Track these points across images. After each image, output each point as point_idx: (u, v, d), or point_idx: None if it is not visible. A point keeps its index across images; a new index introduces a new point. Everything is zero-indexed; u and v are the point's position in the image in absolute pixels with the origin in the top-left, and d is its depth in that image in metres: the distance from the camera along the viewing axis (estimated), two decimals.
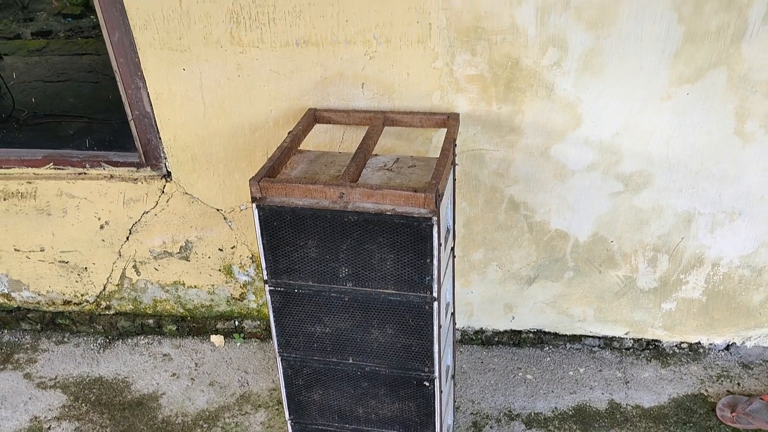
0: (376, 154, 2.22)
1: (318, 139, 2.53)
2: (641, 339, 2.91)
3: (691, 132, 2.32)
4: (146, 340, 3.18)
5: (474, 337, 3.03)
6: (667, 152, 2.38)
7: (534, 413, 2.68)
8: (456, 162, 2.38)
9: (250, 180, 1.92)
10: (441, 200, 1.87)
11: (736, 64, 2.16)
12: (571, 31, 2.17)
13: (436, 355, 2.05)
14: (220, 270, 2.98)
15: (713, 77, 2.19)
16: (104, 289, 3.11)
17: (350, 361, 2.16)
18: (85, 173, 2.77)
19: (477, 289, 2.86)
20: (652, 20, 2.11)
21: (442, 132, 2.42)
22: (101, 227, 2.89)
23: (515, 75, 2.29)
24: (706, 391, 2.73)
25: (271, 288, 2.07)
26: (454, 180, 2.32)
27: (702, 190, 2.45)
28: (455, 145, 2.26)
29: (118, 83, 2.52)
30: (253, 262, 2.93)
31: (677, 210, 2.51)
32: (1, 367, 3.07)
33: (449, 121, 2.31)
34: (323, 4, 2.23)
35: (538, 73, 2.27)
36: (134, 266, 3.01)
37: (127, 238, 2.92)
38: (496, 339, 3.01)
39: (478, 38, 2.23)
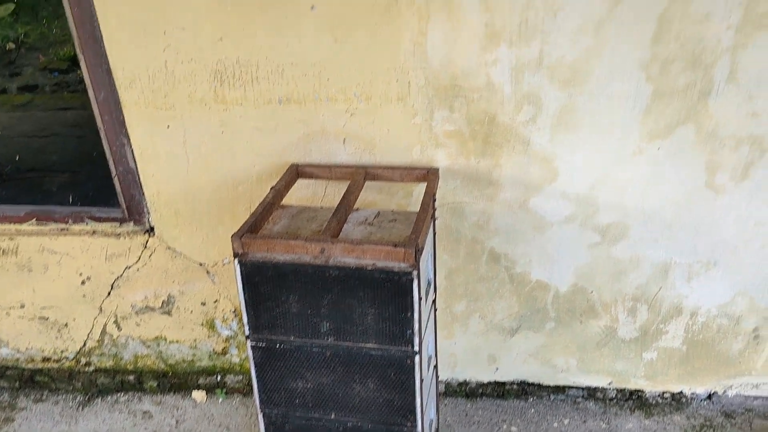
0: (357, 209, 2.26)
1: (301, 193, 2.57)
2: (624, 389, 2.91)
3: (664, 185, 2.38)
4: (126, 397, 3.13)
5: (458, 389, 3.01)
6: (642, 204, 2.44)
7: None
8: (436, 216, 2.42)
9: (232, 236, 1.94)
10: (421, 254, 1.90)
11: (704, 120, 2.24)
12: (545, 89, 2.25)
13: (418, 409, 2.05)
14: (202, 324, 2.96)
15: (683, 132, 2.27)
16: (84, 345, 3.08)
17: (332, 416, 2.15)
18: (67, 229, 2.78)
19: (460, 340, 2.87)
20: (621, 79, 2.19)
21: (423, 186, 2.47)
22: (83, 283, 2.88)
23: (492, 130, 2.35)
24: None
25: (253, 343, 2.06)
26: (435, 233, 2.36)
27: (677, 241, 2.50)
28: (435, 199, 2.31)
29: (103, 140, 2.55)
30: (235, 316, 2.92)
31: (654, 260, 2.56)
32: None
33: (429, 175, 2.36)
34: (305, 64, 2.30)
35: (514, 128, 2.34)
36: (115, 321, 2.99)
37: (109, 294, 2.90)
38: (480, 391, 3.00)
39: (455, 95, 2.30)
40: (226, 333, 2.97)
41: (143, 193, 2.64)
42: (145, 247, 2.76)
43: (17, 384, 3.22)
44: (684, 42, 2.11)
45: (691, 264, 2.55)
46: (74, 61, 7.45)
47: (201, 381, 3.11)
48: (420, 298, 1.89)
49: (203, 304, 2.90)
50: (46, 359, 3.15)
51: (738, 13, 2.06)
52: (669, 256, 2.55)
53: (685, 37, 2.10)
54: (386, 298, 1.89)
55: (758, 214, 2.40)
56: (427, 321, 2.17)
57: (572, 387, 2.95)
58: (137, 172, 2.60)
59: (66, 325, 3.03)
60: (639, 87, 2.20)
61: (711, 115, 2.23)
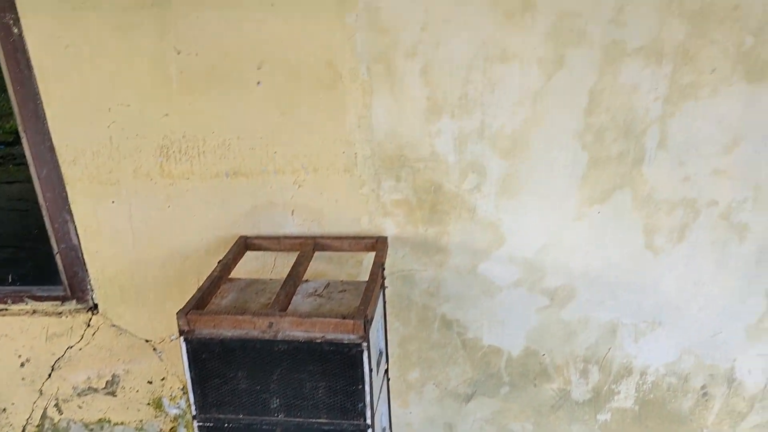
0: (307, 280, 2.25)
1: (250, 265, 2.55)
2: None
3: (606, 247, 2.45)
4: None
5: None
6: (587, 267, 2.49)
7: None
8: (386, 284, 2.43)
9: (177, 312, 1.91)
10: (370, 325, 1.89)
11: (639, 185, 2.33)
12: (488, 158, 2.32)
13: None
14: (149, 404, 2.85)
15: (620, 197, 2.35)
16: (23, 430, 2.92)
17: None
18: (6, 309, 2.68)
19: (415, 409, 2.83)
20: (559, 148, 2.27)
21: (372, 255, 2.48)
22: (21, 365, 2.76)
23: (439, 199, 2.40)
24: None
25: (200, 424, 2.00)
26: (385, 302, 2.36)
27: (622, 302, 2.56)
28: (384, 267, 2.32)
29: (45, 217, 2.50)
30: (184, 393, 2.83)
31: (602, 321, 2.60)
32: None
33: (378, 244, 2.37)
34: (252, 137, 2.32)
35: (460, 196, 2.39)
36: (56, 405, 2.85)
37: (50, 375, 2.79)
38: None
39: (402, 166, 2.35)
40: (174, 412, 2.87)
41: (87, 270, 2.58)
42: (89, 325, 2.68)
43: None
44: (615, 113, 2.22)
45: (636, 324, 2.60)
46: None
47: None
48: (371, 370, 1.88)
49: (150, 382, 2.80)
50: None
51: (664, 84, 2.18)
52: (616, 317, 2.59)
53: (616, 108, 2.21)
54: (336, 371, 1.87)
55: (696, 274, 2.48)
56: (380, 392, 2.15)
57: None
58: (80, 248, 2.54)
59: (4, 410, 2.88)
60: (576, 155, 2.29)
61: (646, 181, 2.32)
